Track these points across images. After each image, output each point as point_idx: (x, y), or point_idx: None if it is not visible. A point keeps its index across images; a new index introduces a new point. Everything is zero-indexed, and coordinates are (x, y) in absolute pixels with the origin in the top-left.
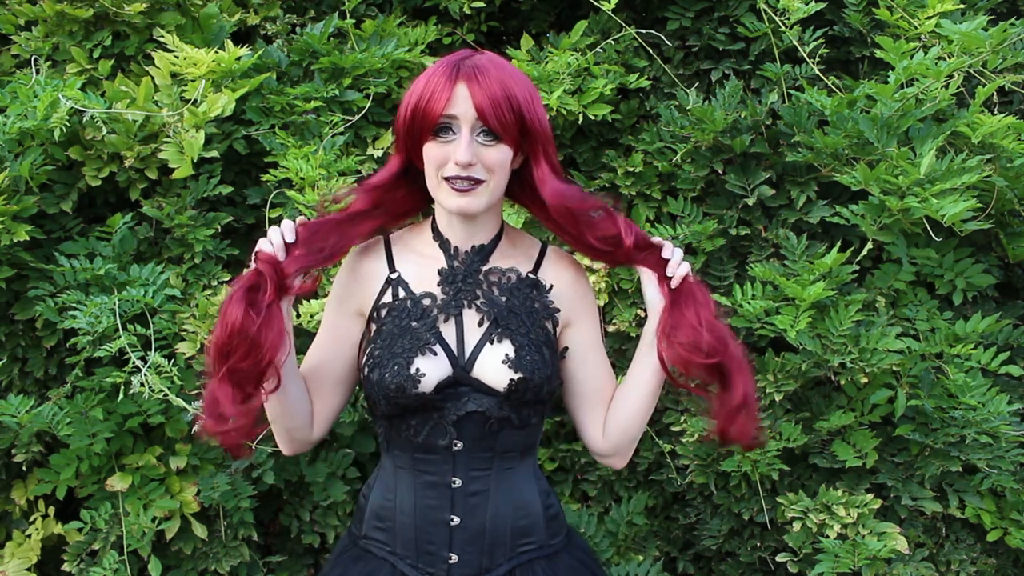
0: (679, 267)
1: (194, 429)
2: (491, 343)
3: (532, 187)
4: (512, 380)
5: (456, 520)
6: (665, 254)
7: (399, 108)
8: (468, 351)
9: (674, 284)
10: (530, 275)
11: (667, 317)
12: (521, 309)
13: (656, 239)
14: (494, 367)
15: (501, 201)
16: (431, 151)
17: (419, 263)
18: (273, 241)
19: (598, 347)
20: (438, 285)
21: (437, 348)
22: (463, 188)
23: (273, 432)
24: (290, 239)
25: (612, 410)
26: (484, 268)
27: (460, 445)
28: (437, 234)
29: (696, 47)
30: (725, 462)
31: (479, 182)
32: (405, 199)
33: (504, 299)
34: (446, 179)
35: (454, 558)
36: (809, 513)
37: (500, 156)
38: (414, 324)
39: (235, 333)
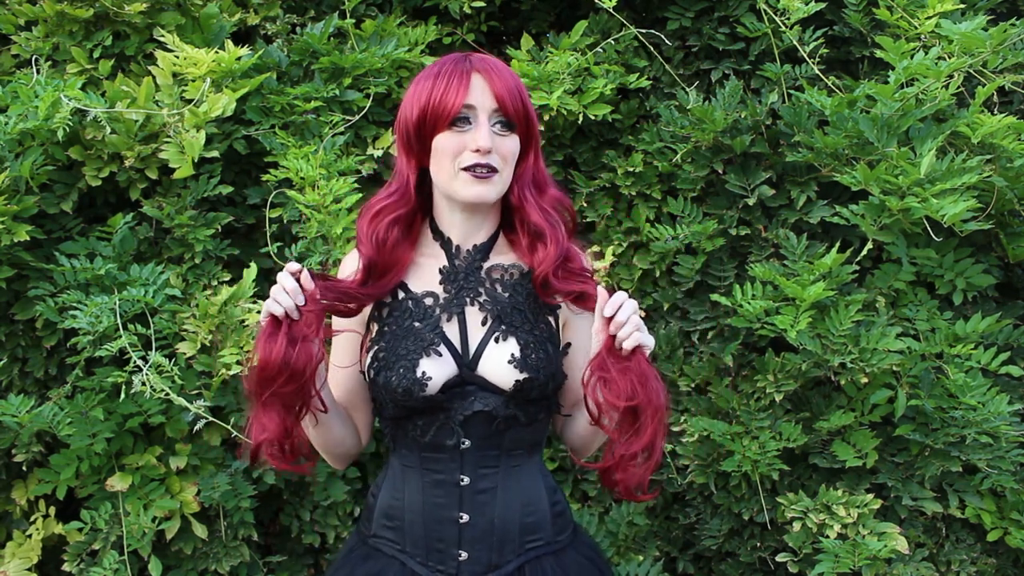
0: (623, 319)
1: (196, 427)
2: (496, 342)
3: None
4: (518, 381)
5: (465, 518)
6: (607, 312)
7: (401, 118)
8: (472, 350)
9: (620, 339)
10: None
11: (600, 355)
12: (524, 305)
13: (593, 289)
14: (499, 366)
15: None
16: (445, 141)
17: (418, 263)
18: (288, 287)
19: (589, 350)
20: (440, 284)
21: (442, 348)
22: (482, 175)
23: (325, 459)
24: (309, 286)
25: (572, 421)
26: (486, 265)
27: (467, 443)
28: (437, 233)
29: (696, 47)
30: (725, 462)
31: (494, 171)
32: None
33: (507, 296)
34: (464, 169)
35: (463, 555)
36: (809, 513)
37: (513, 146)
38: (417, 324)
39: (276, 362)
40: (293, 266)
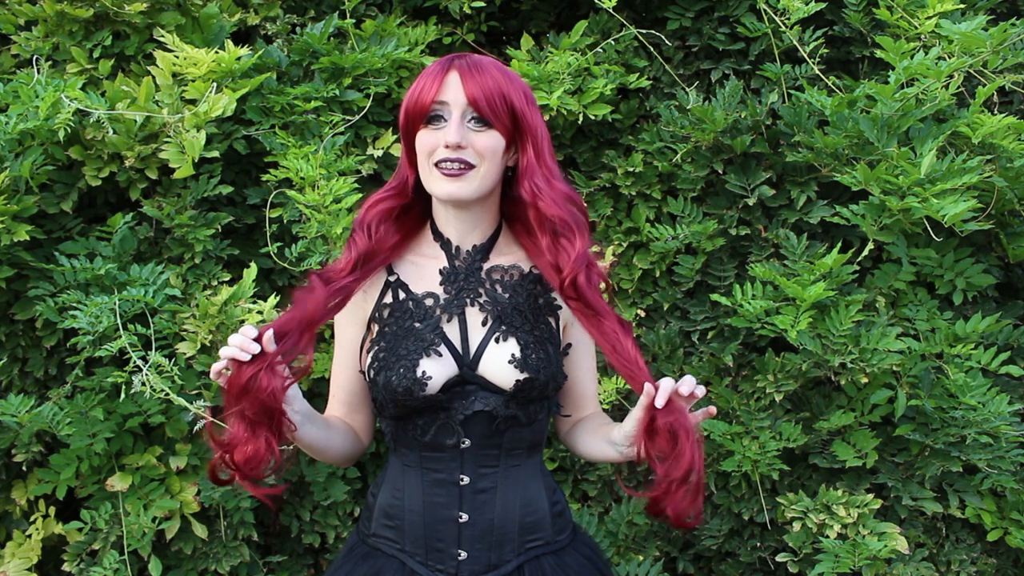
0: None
1: (196, 427)
2: (496, 342)
3: (516, 194)
4: (518, 380)
5: (464, 517)
6: (659, 402)
7: (399, 122)
8: (473, 350)
9: (659, 403)
10: (534, 270)
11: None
12: (524, 306)
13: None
14: (500, 366)
15: (497, 196)
16: (422, 139)
17: (418, 264)
18: (236, 343)
19: (590, 350)
20: (440, 284)
21: (442, 348)
22: (453, 172)
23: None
24: (270, 347)
25: (580, 433)
26: (486, 266)
27: (468, 443)
28: (437, 234)
29: (696, 47)
30: (725, 462)
31: (470, 167)
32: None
33: (507, 296)
34: (436, 165)
35: (463, 555)
36: (809, 513)
37: (491, 142)
38: (417, 325)
39: (244, 387)
40: (250, 331)
